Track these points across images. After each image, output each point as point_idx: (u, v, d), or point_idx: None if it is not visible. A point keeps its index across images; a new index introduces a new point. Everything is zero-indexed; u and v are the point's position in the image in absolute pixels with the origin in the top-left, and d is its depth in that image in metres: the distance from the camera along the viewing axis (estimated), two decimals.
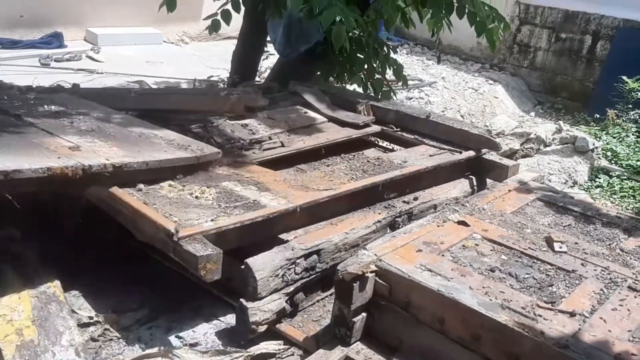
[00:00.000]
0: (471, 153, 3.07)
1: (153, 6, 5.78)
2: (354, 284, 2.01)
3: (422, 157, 2.97)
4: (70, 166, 2.09)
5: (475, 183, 3.10)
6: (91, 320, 2.19)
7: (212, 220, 2.11)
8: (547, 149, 5.89)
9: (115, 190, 2.23)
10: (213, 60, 7.00)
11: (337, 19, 3.42)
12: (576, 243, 2.36)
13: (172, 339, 2.17)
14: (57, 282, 2.27)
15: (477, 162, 3.10)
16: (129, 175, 2.26)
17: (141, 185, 2.33)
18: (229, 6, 3.91)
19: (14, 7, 6.14)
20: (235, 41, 4.89)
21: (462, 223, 2.41)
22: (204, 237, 2.01)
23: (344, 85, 4.57)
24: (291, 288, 2.22)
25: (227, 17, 3.88)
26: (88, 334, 2.12)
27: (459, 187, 3.01)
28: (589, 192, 4.94)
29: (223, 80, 5.68)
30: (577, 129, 6.49)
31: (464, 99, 7.31)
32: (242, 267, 2.11)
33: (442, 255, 2.18)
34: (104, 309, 2.28)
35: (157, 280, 2.49)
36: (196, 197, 2.32)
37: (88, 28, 6.69)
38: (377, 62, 4.38)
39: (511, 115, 7.30)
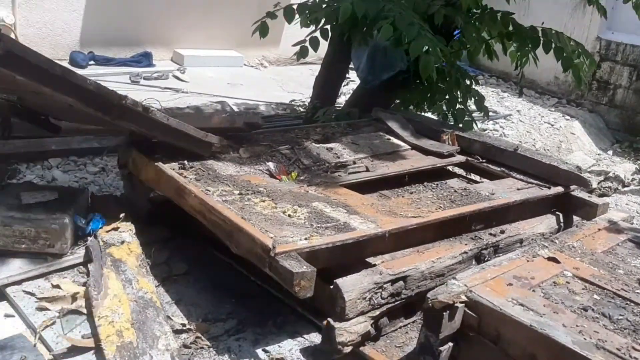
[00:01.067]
0: (560, 189, 3.02)
1: (235, 30, 6.03)
2: (444, 313, 2.01)
3: (509, 190, 2.95)
4: None
5: (562, 220, 3.04)
6: (184, 328, 2.28)
7: (305, 238, 2.17)
8: (626, 189, 5.70)
9: (215, 203, 2.34)
10: (290, 85, 7.18)
11: (425, 49, 3.48)
12: None
13: (259, 352, 2.23)
14: (154, 288, 2.39)
15: (565, 198, 3.04)
16: None
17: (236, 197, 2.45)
18: (317, 34, 4.04)
19: (109, 27, 6.53)
20: (311, 66, 5.03)
21: (552, 259, 2.37)
22: (299, 255, 2.07)
23: (423, 113, 4.59)
24: (377, 312, 2.24)
25: (315, 44, 4.01)
26: (181, 341, 2.21)
27: (546, 222, 2.96)
28: None
29: (304, 104, 5.83)
30: None
31: (539, 133, 7.18)
32: (331, 287, 2.15)
33: (533, 290, 2.16)
34: (195, 317, 2.37)
35: (242, 292, 2.57)
36: (289, 215, 2.39)
37: (175, 49, 7.02)
38: (459, 92, 4.39)
39: (588, 152, 7.10)
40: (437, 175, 3.32)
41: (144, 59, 6.59)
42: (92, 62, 6.31)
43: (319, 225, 2.32)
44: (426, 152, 3.38)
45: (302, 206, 2.49)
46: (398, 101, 4.53)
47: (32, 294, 2.35)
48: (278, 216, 2.37)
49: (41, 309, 2.28)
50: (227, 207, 2.34)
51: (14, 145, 4.23)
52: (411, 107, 4.52)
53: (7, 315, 2.27)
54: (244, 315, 2.42)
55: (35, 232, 2.46)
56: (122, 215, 2.74)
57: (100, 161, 4.93)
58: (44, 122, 3.10)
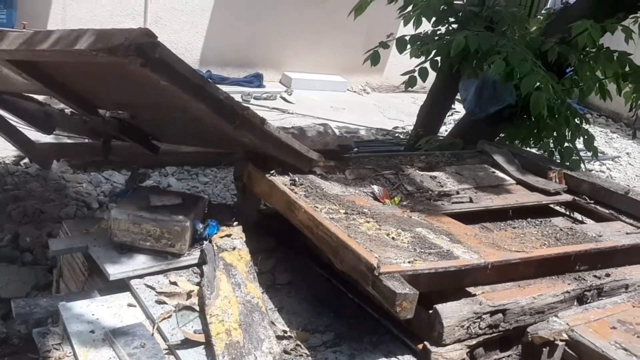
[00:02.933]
0: None
1: (342, 56, 6.24)
2: (543, 349, 2.02)
3: (618, 233, 2.86)
4: None
5: None
6: (285, 335, 2.42)
7: (409, 262, 2.24)
8: None
9: (323, 219, 2.48)
10: (391, 112, 7.31)
11: (537, 85, 3.48)
12: None
13: None
14: (260, 294, 2.55)
15: None
16: None
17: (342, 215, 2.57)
18: (427, 65, 4.14)
19: (226, 48, 6.98)
20: (413, 95, 5.13)
21: None
22: (402, 277, 2.15)
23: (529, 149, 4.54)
24: (473, 342, 2.26)
25: (424, 75, 4.11)
26: (282, 346, 2.34)
27: None
28: None
29: (405, 132, 5.92)
30: None
31: None
32: (430, 312, 2.21)
33: (638, 337, 2.10)
34: (295, 325, 2.50)
35: (340, 308, 2.67)
36: (392, 238, 2.48)
37: (284, 72, 7.38)
38: (568, 130, 4.31)
39: None
40: (542, 213, 3.28)
41: (255, 80, 6.97)
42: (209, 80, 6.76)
43: (422, 250, 2.39)
44: (532, 188, 3.35)
45: (405, 230, 2.56)
46: (503, 135, 4.52)
47: (152, 288, 2.57)
48: (382, 238, 2.46)
49: (159, 302, 2.49)
50: (334, 224, 2.46)
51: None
52: (517, 142, 4.49)
53: (129, 305, 2.51)
54: (341, 330, 2.51)
55: (159, 231, 2.70)
56: (235, 223, 2.94)
57: (211, 172, 5.26)
58: (146, 141, 3.40)
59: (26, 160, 4.58)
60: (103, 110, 3.17)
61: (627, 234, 2.87)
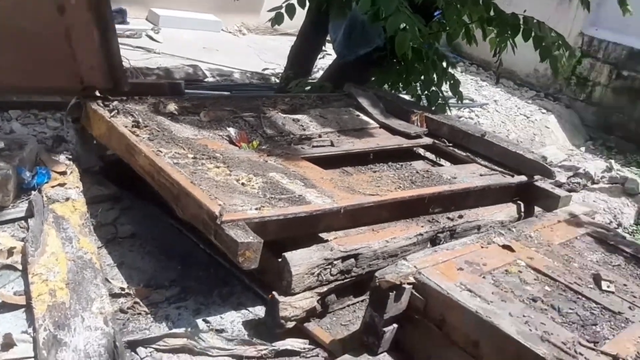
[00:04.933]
0: (523, 178, 2.98)
1: None
2: (390, 293, 1.96)
3: (472, 175, 2.89)
4: None
5: (522, 209, 3.00)
6: (122, 292, 2.20)
7: (256, 209, 2.08)
8: (595, 186, 5.71)
9: (165, 165, 2.24)
10: (268, 55, 7.03)
11: (402, 26, 3.39)
12: (625, 285, 2.25)
13: (199, 322, 2.15)
14: (95, 249, 2.29)
15: (528, 188, 3.00)
16: None
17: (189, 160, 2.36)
18: (294, 1, 3.90)
19: None
20: (291, 38, 4.90)
21: (507, 247, 2.33)
22: (246, 225, 1.99)
23: (398, 93, 4.51)
24: (324, 288, 2.18)
25: (291, 11, 3.88)
26: (118, 305, 2.12)
27: (506, 211, 2.92)
28: (634, 236, 4.77)
29: (277, 75, 5.70)
30: (628, 170, 6.28)
31: (514, 124, 7.17)
32: (279, 260, 2.08)
33: (484, 277, 2.11)
34: (136, 282, 2.28)
35: (189, 259, 2.49)
36: (242, 183, 2.30)
37: (151, 8, 6.80)
38: (435, 74, 4.31)
39: (560, 147, 7.11)
40: (404, 155, 3.26)
41: (118, 16, 6.35)
42: None
43: (273, 196, 2.24)
44: (394, 131, 3.31)
45: (257, 175, 2.40)
46: (373, 79, 4.44)
47: None
48: (231, 184, 2.28)
49: None
50: (177, 170, 2.24)
51: None
52: (386, 86, 4.44)
53: None
54: (189, 284, 2.33)
55: None
56: (69, 171, 2.62)
57: (62, 116, 4.74)
58: None
59: None
60: None
61: (480, 175, 2.91)
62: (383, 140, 3.20)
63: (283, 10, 3.90)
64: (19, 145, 2.57)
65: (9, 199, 2.41)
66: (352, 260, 2.22)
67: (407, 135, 3.26)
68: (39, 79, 2.81)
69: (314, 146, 2.94)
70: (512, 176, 2.98)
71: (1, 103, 4.41)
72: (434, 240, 2.53)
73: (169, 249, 2.51)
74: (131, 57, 5.43)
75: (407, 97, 4.62)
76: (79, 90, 2.75)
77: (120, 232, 2.55)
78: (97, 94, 2.76)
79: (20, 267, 2.19)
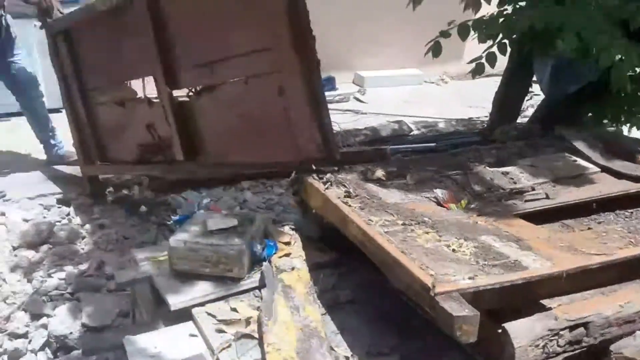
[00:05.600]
0: None
1: (415, 49, 6.01)
2: None
3: None
4: None
5: None
6: None
7: (469, 277, 2.04)
8: None
9: (376, 234, 2.33)
10: (472, 99, 6.94)
11: (617, 57, 3.11)
12: None
13: None
14: (319, 317, 2.45)
15: None
16: None
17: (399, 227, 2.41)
18: (494, 49, 3.83)
19: None
20: (497, 79, 4.77)
21: None
22: (461, 296, 1.96)
23: (620, 129, 4.09)
24: None
25: (492, 60, 3.80)
26: None
27: None
28: None
29: (482, 121, 5.59)
30: None
31: None
32: (499, 331, 2.00)
33: None
34: (358, 349, 2.37)
35: (407, 325, 2.51)
36: (453, 250, 2.28)
37: (356, 71, 7.22)
38: None
39: None
40: (633, 203, 2.92)
41: (328, 83, 6.87)
42: None
43: (486, 262, 2.18)
44: (618, 175, 3.00)
45: (468, 239, 2.36)
46: (589, 115, 4.10)
47: (213, 316, 2.55)
48: (441, 250, 2.28)
49: (219, 331, 2.47)
50: (387, 239, 2.31)
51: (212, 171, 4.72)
52: (605, 121, 4.06)
53: (191, 335, 2.50)
54: (408, 352, 2.36)
55: (216, 256, 2.67)
56: (292, 241, 2.86)
57: (285, 183, 5.24)
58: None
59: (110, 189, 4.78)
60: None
61: None
62: (606, 186, 2.92)
63: (483, 60, 3.85)
64: (250, 221, 2.90)
65: (244, 272, 2.71)
66: (581, 329, 2.04)
67: (636, 179, 2.93)
68: (264, 154, 3.18)
69: (526, 200, 2.80)
70: None
71: (236, 176, 5.04)
72: None
73: (387, 314, 2.58)
74: (341, 120, 5.80)
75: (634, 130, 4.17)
76: (298, 161, 3.01)
77: (340, 298, 2.70)
78: (313, 167, 2.99)
79: (256, 335, 2.43)
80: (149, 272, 2.82)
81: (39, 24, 5.18)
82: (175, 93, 3.33)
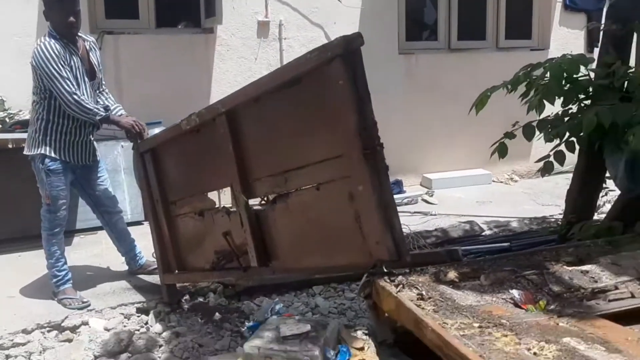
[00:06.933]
0: None
1: (482, 150, 6.11)
2: None
3: None
4: None
5: None
6: None
7: None
8: None
9: (452, 338, 2.28)
10: (543, 197, 6.82)
11: None
12: None
13: None
14: None
15: None
16: None
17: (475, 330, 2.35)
18: (562, 147, 3.84)
19: None
20: (567, 176, 4.71)
21: None
22: None
23: None
24: None
25: (560, 158, 3.80)
26: None
27: None
28: None
29: (557, 219, 5.45)
30: None
31: None
32: None
33: None
34: None
35: None
36: (534, 353, 2.19)
37: (424, 174, 7.32)
38: None
39: None
40: None
41: (395, 187, 6.97)
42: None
43: None
44: None
45: (550, 342, 2.26)
46: None
47: None
48: (522, 354, 2.19)
49: None
50: (464, 343, 2.25)
51: (284, 276, 4.79)
52: None
53: None
54: None
55: None
56: (366, 346, 2.83)
57: (357, 287, 5.21)
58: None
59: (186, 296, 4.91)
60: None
61: None
62: None
63: (552, 159, 3.85)
64: (322, 326, 2.90)
65: None
66: None
67: None
68: (335, 258, 3.23)
69: (610, 300, 2.67)
70: None
71: (307, 281, 5.07)
72: None
73: None
74: (410, 222, 5.82)
75: None
76: (369, 264, 3.03)
77: None
78: (384, 269, 3.00)
79: None
80: None
81: (125, 144, 5.68)
82: (252, 202, 3.50)
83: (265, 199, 3.45)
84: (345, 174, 2.87)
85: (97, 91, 4.41)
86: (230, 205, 3.78)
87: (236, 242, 3.71)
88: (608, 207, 4.81)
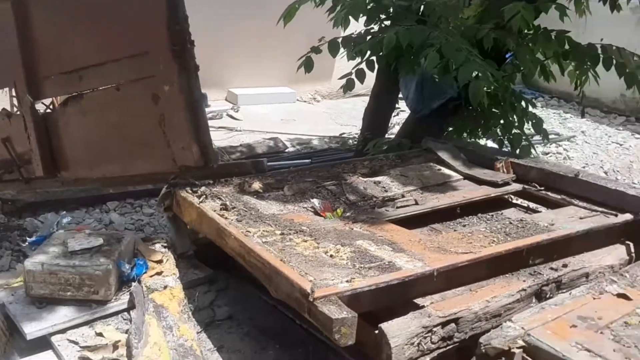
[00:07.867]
0: (628, 216, 2.77)
1: (288, 67, 6.14)
2: None
3: (571, 219, 2.72)
4: None
5: (633, 250, 2.77)
6: None
7: (347, 281, 2.05)
8: None
9: (254, 245, 2.27)
10: (343, 118, 7.16)
11: (474, 74, 3.34)
12: None
13: None
14: (194, 335, 2.33)
15: (635, 226, 2.78)
16: None
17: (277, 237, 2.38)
18: (363, 66, 3.97)
19: None
20: (364, 98, 4.97)
21: (622, 296, 2.14)
22: (339, 299, 1.96)
23: (478, 141, 4.41)
24: (427, 358, 2.08)
25: (361, 76, 3.94)
26: None
27: (615, 254, 2.70)
28: None
29: (354, 137, 5.76)
30: None
31: (607, 154, 6.77)
32: (376, 332, 2.02)
33: (601, 332, 1.94)
34: None
35: (287, 337, 2.47)
36: (331, 255, 2.29)
37: (229, 89, 7.16)
38: (515, 116, 4.20)
39: None
40: (494, 205, 3.14)
41: None
42: None
43: (362, 265, 2.20)
44: (479, 181, 3.21)
45: (345, 245, 2.38)
46: (451, 129, 4.38)
47: (76, 343, 2.34)
48: (319, 257, 2.27)
49: (83, 358, 2.26)
50: (266, 249, 2.26)
51: (72, 191, 4.38)
52: (465, 134, 4.36)
53: None
54: None
55: (79, 278, 2.46)
56: (164, 259, 2.71)
57: (155, 203, 4.99)
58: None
59: None
60: None
61: (580, 218, 2.73)
62: (469, 192, 3.10)
63: (353, 76, 3.98)
64: (117, 240, 2.71)
65: (111, 293, 2.52)
66: (453, 325, 2.12)
67: (494, 184, 3.15)
68: (135, 166, 2.99)
69: (398, 207, 2.89)
70: (616, 215, 2.77)
71: (100, 197, 4.71)
72: (539, 295, 2.38)
73: (266, 328, 2.51)
74: (215, 137, 5.67)
75: (489, 143, 4.51)
76: (173, 172, 2.86)
77: (218, 315, 2.59)
78: (187, 179, 2.86)
79: (126, 359, 2.26)
80: (0, 299, 2.52)
81: None
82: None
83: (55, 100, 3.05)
84: (150, 73, 2.62)
85: None
86: (13, 108, 3.27)
87: (18, 150, 3.25)
88: (398, 127, 5.19)
